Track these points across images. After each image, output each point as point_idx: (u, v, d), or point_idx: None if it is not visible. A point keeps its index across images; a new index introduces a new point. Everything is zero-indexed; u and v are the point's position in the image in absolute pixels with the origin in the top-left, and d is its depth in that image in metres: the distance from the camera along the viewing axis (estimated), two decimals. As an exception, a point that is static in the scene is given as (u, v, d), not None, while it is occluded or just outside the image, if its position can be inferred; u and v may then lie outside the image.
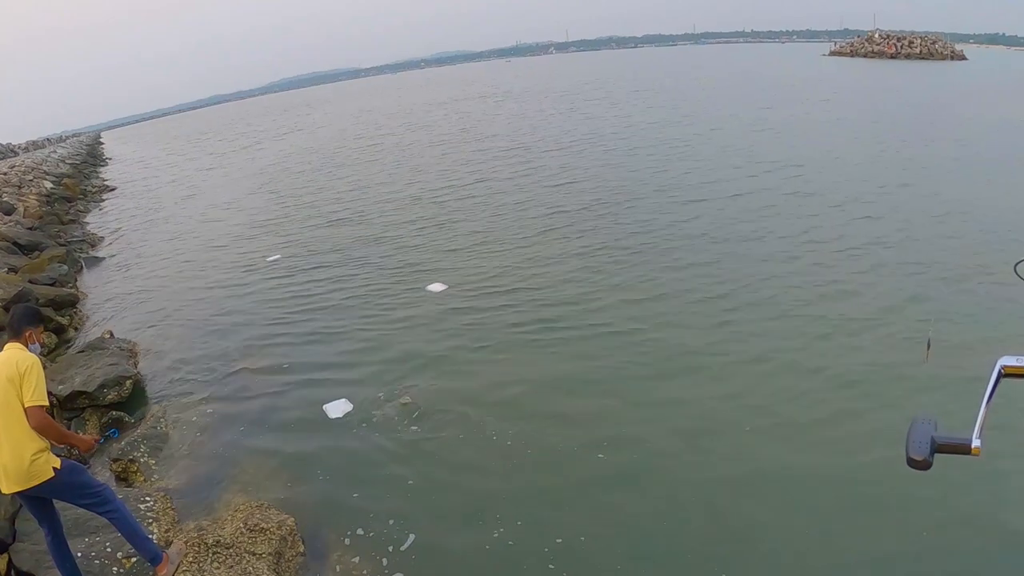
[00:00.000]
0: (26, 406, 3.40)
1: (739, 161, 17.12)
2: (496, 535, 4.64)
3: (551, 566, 4.30)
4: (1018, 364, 1.09)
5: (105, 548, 4.56)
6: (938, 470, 1.09)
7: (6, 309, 9.50)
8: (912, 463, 1.07)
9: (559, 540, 4.50)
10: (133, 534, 4.04)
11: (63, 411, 7.00)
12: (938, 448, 1.08)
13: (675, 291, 8.83)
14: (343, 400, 6.72)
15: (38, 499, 3.77)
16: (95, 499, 3.84)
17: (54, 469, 3.55)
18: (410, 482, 5.37)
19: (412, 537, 4.71)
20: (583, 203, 14.15)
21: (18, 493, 3.57)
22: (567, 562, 4.32)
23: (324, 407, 6.63)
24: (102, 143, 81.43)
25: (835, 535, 4.35)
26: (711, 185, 14.73)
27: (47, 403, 3.53)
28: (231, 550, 4.43)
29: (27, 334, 3.75)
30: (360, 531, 4.85)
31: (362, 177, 21.21)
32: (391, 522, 4.91)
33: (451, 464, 5.55)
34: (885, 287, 8.30)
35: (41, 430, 3.47)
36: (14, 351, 3.60)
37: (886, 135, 19.95)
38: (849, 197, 12.80)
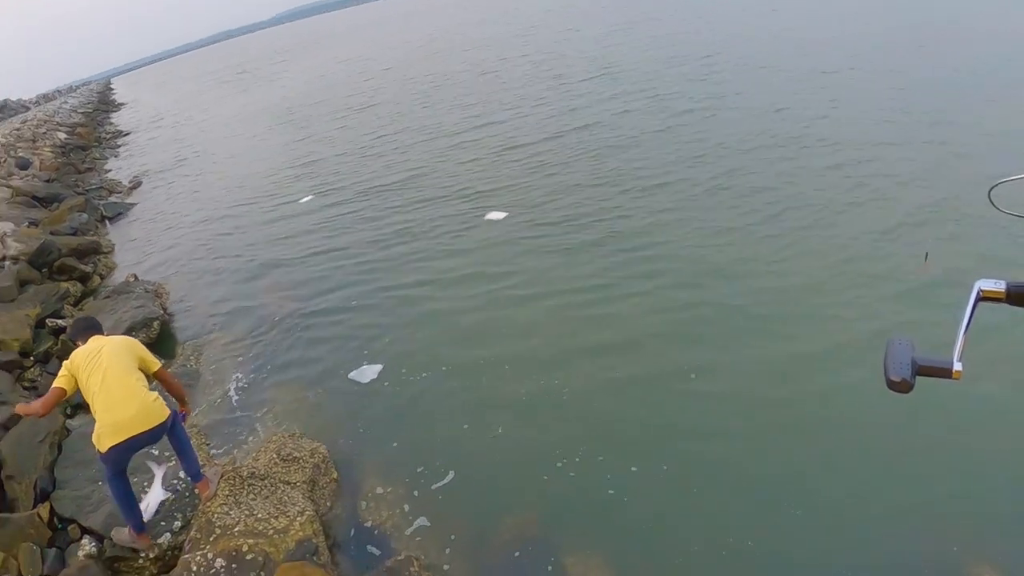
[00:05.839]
0: (154, 369, 4.17)
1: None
2: (560, 465, 4.42)
3: (610, 491, 4.14)
4: (995, 288, 1.08)
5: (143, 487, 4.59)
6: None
7: (30, 263, 9.52)
8: (892, 385, 1.03)
9: (634, 468, 4.28)
10: (186, 449, 4.21)
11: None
12: (919, 370, 1.05)
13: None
14: (377, 365, 6.09)
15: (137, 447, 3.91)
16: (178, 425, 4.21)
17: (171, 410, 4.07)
18: (463, 424, 5.06)
19: (451, 474, 4.51)
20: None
21: (138, 436, 3.78)
22: (631, 490, 4.14)
23: (352, 373, 6.06)
24: (113, 89, 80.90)
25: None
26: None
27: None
28: (266, 481, 4.40)
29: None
30: (398, 460, 4.76)
31: (389, 110, 19.83)
32: (433, 452, 4.75)
33: (505, 403, 5.19)
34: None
35: (167, 382, 4.33)
36: (107, 338, 4.16)
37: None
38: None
